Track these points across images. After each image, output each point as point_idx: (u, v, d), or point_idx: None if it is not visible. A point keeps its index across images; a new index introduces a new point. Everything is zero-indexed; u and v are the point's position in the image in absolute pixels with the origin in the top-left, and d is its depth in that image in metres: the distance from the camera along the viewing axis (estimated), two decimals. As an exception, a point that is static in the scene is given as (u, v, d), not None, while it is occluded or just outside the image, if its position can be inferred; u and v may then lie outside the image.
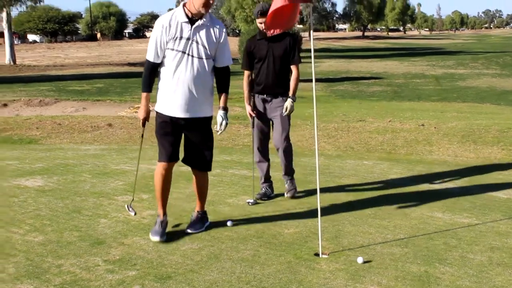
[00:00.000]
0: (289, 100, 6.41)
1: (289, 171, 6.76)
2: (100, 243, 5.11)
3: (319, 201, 5.21)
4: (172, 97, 5.25)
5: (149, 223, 5.69)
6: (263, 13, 6.18)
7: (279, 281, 4.31)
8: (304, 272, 4.49)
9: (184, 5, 5.13)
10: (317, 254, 4.85)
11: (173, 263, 4.67)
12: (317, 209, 5.17)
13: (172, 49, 5.10)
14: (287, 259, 4.75)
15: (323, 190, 6.86)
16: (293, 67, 6.48)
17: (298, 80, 6.52)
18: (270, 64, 6.41)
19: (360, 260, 4.71)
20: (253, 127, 6.66)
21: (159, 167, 5.47)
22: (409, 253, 4.90)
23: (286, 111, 6.39)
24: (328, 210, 6.11)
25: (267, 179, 6.78)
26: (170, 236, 5.29)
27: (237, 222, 5.70)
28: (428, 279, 4.35)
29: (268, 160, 6.78)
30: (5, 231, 5.45)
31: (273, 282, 4.30)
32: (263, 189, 6.73)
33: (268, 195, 6.70)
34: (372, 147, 10.62)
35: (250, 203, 6.39)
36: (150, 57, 5.18)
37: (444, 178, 7.90)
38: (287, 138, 6.60)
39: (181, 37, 5.07)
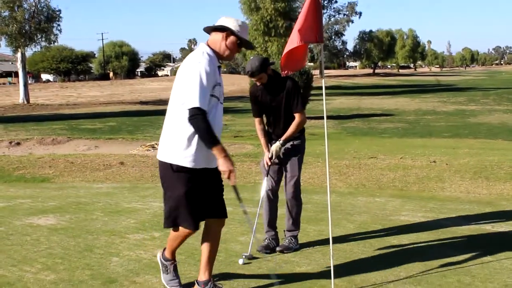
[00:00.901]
0: (276, 144, 5.98)
1: (291, 227, 6.18)
2: (112, 282, 5.10)
3: (331, 238, 5.19)
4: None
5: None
6: (252, 75, 5.79)
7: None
8: (317, 310, 4.46)
9: (209, 45, 4.61)
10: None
11: (185, 300, 4.65)
12: (329, 247, 5.15)
13: (212, 96, 4.45)
14: (299, 297, 4.72)
15: (335, 227, 6.85)
16: (296, 115, 5.97)
17: (299, 127, 5.99)
18: (275, 110, 6.02)
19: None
20: (267, 175, 6.10)
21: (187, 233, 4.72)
22: (423, 291, 4.86)
23: (271, 155, 5.99)
24: (340, 248, 6.09)
25: (271, 227, 6.20)
26: (181, 273, 5.29)
27: (249, 261, 5.67)
28: (442, 318, 4.31)
29: (275, 207, 6.23)
30: (17, 269, 5.46)
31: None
32: (266, 240, 6.14)
33: (272, 248, 6.06)
34: (384, 184, 10.60)
35: (244, 257, 5.73)
36: (204, 105, 4.31)
37: (456, 215, 7.85)
38: (295, 186, 6.06)
39: (219, 83, 4.54)
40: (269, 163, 6.05)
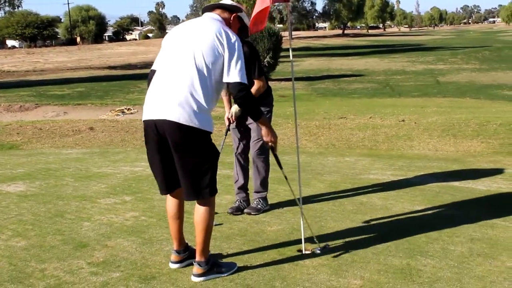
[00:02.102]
0: (235, 105, 5.90)
1: (258, 188, 6.19)
2: (84, 246, 5.10)
3: (301, 198, 5.24)
4: None
5: (132, 225, 5.69)
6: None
7: (263, 278, 4.33)
8: (288, 268, 4.52)
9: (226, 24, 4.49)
10: (300, 251, 4.89)
11: (157, 263, 4.68)
12: (299, 206, 5.20)
13: None
14: (270, 256, 4.77)
15: (305, 187, 6.91)
16: (255, 81, 5.83)
17: (257, 93, 5.79)
18: None
19: None
20: (225, 134, 6.22)
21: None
22: (391, 246, 4.95)
23: (231, 115, 5.98)
24: (311, 207, 6.16)
25: (242, 188, 6.24)
26: (152, 236, 5.31)
27: (219, 222, 5.71)
28: (410, 272, 4.40)
29: (246, 170, 6.24)
30: (-13, 237, 5.43)
31: (257, 279, 4.32)
32: (237, 202, 6.18)
33: (242, 209, 6.09)
34: (353, 143, 10.69)
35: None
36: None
37: (424, 172, 7.97)
38: (261, 148, 6.07)
39: None
40: (228, 123, 6.07)
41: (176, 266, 4.58)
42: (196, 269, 4.35)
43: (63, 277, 4.42)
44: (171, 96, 4.17)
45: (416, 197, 6.60)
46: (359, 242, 5.07)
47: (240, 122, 6.09)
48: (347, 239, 5.17)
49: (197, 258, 4.39)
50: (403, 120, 13.04)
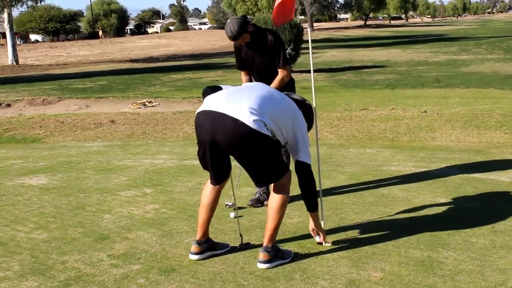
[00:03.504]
0: None
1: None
2: (104, 239, 5.14)
3: (321, 190, 5.22)
4: None
5: (153, 217, 5.71)
6: (235, 39, 5.64)
7: (282, 270, 4.32)
8: (308, 260, 4.51)
9: None
10: (320, 243, 4.87)
11: (176, 256, 4.69)
12: (319, 198, 5.18)
13: None
14: (290, 248, 4.76)
15: (326, 179, 6.88)
16: (279, 70, 5.86)
17: (281, 82, 5.83)
18: (258, 66, 5.94)
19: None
20: None
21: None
22: (412, 238, 4.91)
23: None
24: (331, 199, 6.13)
25: None
26: (172, 228, 5.32)
27: (239, 214, 5.71)
28: (431, 264, 4.36)
29: None
30: (10, 229, 5.48)
31: (277, 271, 4.31)
32: (257, 194, 6.18)
33: (262, 202, 6.09)
34: (375, 135, 10.61)
35: (228, 206, 5.82)
36: None
37: (447, 164, 7.89)
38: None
39: None
40: None
41: (196, 257, 4.58)
42: (263, 255, 4.40)
43: (84, 269, 4.45)
44: (241, 103, 4.28)
45: (438, 189, 6.53)
46: (380, 234, 5.04)
47: None
48: (367, 231, 5.14)
49: (265, 243, 4.44)
50: (425, 111, 12.91)
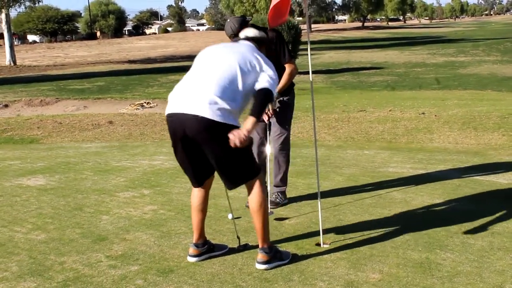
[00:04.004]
0: None
1: (278, 183, 6.14)
2: (102, 239, 5.13)
3: (319, 191, 5.22)
4: None
5: (151, 218, 5.71)
6: (235, 37, 5.43)
7: (280, 272, 4.32)
8: (306, 262, 4.51)
9: None
10: (318, 244, 4.87)
11: (175, 257, 4.69)
12: (317, 200, 5.18)
13: None
14: (288, 249, 4.76)
15: (324, 180, 6.89)
16: (286, 66, 5.83)
17: (290, 77, 5.84)
18: None
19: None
20: (268, 129, 5.99)
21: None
22: (410, 240, 4.91)
23: (268, 110, 5.82)
24: (329, 200, 6.13)
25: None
26: (170, 229, 5.32)
27: (238, 215, 5.71)
28: (429, 266, 4.37)
29: (264, 161, 6.04)
30: (8, 230, 5.47)
31: (275, 272, 4.31)
32: (273, 195, 6.10)
33: (282, 203, 6.08)
34: (373, 136, 10.63)
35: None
36: None
37: (444, 166, 7.90)
38: (284, 143, 6.00)
39: None
40: (267, 118, 5.88)
41: (194, 259, 4.58)
42: (261, 255, 4.39)
43: (82, 270, 4.45)
44: (200, 94, 4.20)
45: (436, 190, 6.54)
46: (378, 236, 5.04)
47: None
48: (365, 233, 5.14)
49: (260, 244, 4.43)
50: (423, 113, 12.94)
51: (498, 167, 7.78)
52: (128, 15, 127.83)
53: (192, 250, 4.62)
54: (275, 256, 4.45)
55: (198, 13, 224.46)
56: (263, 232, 4.42)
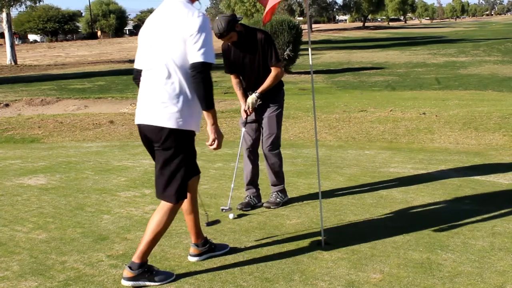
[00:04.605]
0: (251, 96, 5.79)
1: (275, 181, 6.11)
2: (103, 239, 5.13)
3: (320, 191, 5.22)
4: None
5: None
6: (221, 36, 5.57)
7: (281, 272, 4.32)
8: (307, 262, 4.51)
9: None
10: (319, 244, 4.87)
11: (176, 256, 4.69)
12: (318, 200, 5.19)
13: None
14: (289, 249, 4.77)
15: (325, 180, 6.89)
16: (272, 68, 5.76)
17: (275, 80, 5.77)
18: (249, 67, 5.80)
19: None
20: (244, 125, 5.94)
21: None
22: (411, 240, 4.91)
23: (247, 107, 5.82)
24: (330, 201, 6.13)
25: (252, 184, 6.10)
26: (171, 229, 5.32)
27: (239, 215, 5.71)
28: (430, 266, 4.37)
29: (256, 165, 6.10)
30: (9, 229, 5.48)
31: (276, 272, 4.32)
32: (247, 198, 6.06)
33: (253, 205, 6.00)
34: (374, 136, 10.63)
35: (224, 210, 5.72)
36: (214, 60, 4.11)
37: (445, 166, 7.90)
38: (273, 143, 5.95)
39: None
40: (245, 115, 5.89)
41: (194, 259, 4.59)
42: (126, 271, 4.17)
43: (83, 269, 4.45)
44: (149, 99, 4.13)
45: (437, 190, 6.54)
46: (379, 236, 5.04)
47: (253, 116, 5.95)
48: (366, 233, 5.14)
49: (133, 258, 4.20)
50: (424, 113, 12.94)
51: (499, 168, 7.78)
52: (129, 14, 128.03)
53: (192, 249, 4.62)
54: (143, 274, 4.15)
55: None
56: (144, 248, 4.17)
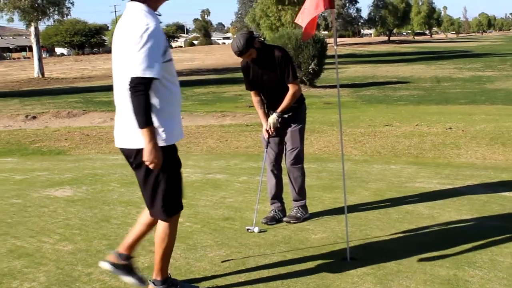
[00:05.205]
0: (272, 116, 5.81)
1: (296, 197, 6.08)
2: (129, 251, 5.15)
3: (346, 206, 5.19)
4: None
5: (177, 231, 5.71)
6: (241, 54, 5.60)
7: (307, 286, 4.30)
8: (332, 276, 4.48)
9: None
10: (345, 259, 4.84)
11: (201, 269, 4.69)
12: (344, 214, 5.16)
13: (170, 60, 4.04)
14: (315, 264, 4.75)
15: (350, 194, 6.85)
16: (289, 86, 5.76)
17: (293, 98, 5.77)
18: (268, 83, 5.83)
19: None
20: (266, 147, 5.97)
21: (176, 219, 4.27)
22: (438, 256, 4.86)
23: (269, 127, 5.84)
24: (355, 215, 6.10)
25: (277, 198, 6.10)
26: (197, 242, 5.32)
27: (264, 229, 5.70)
28: (457, 282, 4.32)
29: (280, 180, 6.10)
30: (35, 240, 5.53)
31: (301, 287, 4.30)
32: (272, 212, 6.05)
33: (278, 220, 5.98)
34: (399, 151, 10.56)
35: (249, 230, 5.65)
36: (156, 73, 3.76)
37: (472, 181, 7.82)
38: (296, 157, 5.93)
39: (168, 46, 4.05)
40: (267, 135, 5.89)
41: (105, 265, 4.25)
42: (150, 286, 4.16)
43: (109, 281, 4.47)
44: (119, 120, 4.01)
45: (464, 206, 6.47)
46: (405, 252, 4.99)
47: (275, 131, 5.93)
48: (392, 248, 5.10)
49: (154, 276, 4.17)
50: (450, 128, 12.84)
51: (527, 184, 7.67)
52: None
53: (112, 257, 4.28)
54: None
55: (224, 26, 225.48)
56: (160, 266, 4.13)
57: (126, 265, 4.26)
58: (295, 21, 5.40)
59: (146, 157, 3.78)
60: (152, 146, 3.74)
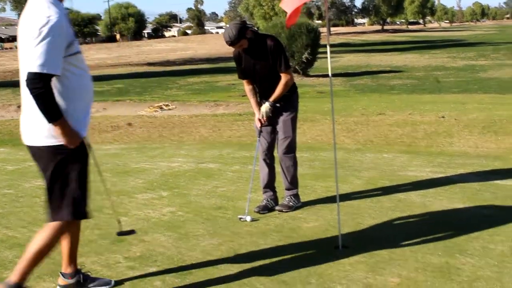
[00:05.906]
0: (265, 105, 5.83)
1: (288, 186, 6.08)
2: (121, 241, 5.14)
3: (338, 194, 5.20)
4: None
5: (169, 220, 5.73)
6: (232, 44, 5.62)
7: (299, 274, 4.31)
8: (324, 265, 4.49)
9: None
10: (337, 247, 4.85)
11: (193, 259, 4.69)
12: (336, 203, 5.17)
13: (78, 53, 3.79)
14: (306, 252, 4.76)
15: (343, 183, 6.86)
16: (281, 75, 5.77)
17: (285, 87, 5.77)
18: (260, 73, 5.85)
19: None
20: (259, 136, 6.00)
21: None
22: (429, 244, 4.88)
23: (261, 116, 5.86)
24: (348, 204, 6.10)
25: (269, 187, 6.12)
26: (189, 231, 5.32)
27: (256, 218, 5.71)
28: (448, 270, 4.33)
29: (272, 169, 6.13)
30: (27, 231, 5.52)
31: (293, 275, 4.30)
32: (264, 201, 6.06)
33: (270, 208, 5.99)
34: (392, 140, 10.57)
35: (242, 219, 5.65)
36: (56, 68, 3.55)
37: (464, 170, 7.83)
38: (289, 146, 5.95)
39: (75, 39, 3.80)
40: (260, 124, 5.92)
41: None
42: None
43: (100, 270, 4.47)
44: (22, 116, 3.87)
45: (456, 194, 6.48)
46: (397, 240, 5.01)
47: (268, 120, 5.93)
48: (384, 236, 5.11)
49: (12, 276, 3.86)
50: (443, 117, 12.85)
51: (519, 172, 7.69)
52: (148, 18, 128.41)
53: (59, 279, 4.19)
54: None
55: (218, 16, 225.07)
56: (24, 265, 3.84)
57: (77, 282, 4.15)
58: (280, 5, 5.37)
59: (67, 142, 3.67)
60: (69, 132, 3.65)
